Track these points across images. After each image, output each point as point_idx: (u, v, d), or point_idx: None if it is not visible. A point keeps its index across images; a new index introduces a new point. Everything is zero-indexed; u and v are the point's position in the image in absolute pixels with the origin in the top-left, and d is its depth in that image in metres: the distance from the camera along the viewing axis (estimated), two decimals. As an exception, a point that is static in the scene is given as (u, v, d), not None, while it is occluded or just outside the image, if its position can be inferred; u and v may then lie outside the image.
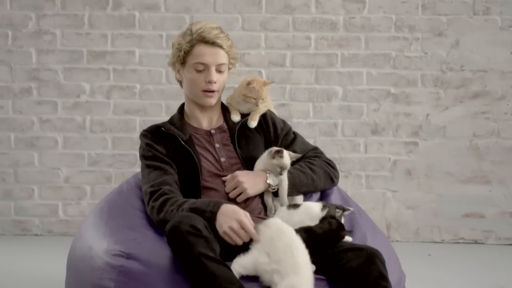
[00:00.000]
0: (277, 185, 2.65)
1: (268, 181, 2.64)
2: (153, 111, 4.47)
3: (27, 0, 4.42)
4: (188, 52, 2.66)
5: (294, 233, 2.31)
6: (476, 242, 4.47)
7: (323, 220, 2.41)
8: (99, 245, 2.48)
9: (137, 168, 4.31)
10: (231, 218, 2.33)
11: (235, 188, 2.61)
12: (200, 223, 2.28)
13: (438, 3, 4.42)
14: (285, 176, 2.65)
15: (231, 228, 2.32)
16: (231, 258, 2.33)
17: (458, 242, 4.46)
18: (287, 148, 2.74)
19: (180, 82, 2.78)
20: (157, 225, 2.54)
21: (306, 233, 2.37)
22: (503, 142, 4.45)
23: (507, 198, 4.46)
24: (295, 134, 2.85)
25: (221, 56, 2.66)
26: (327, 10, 4.44)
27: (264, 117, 2.80)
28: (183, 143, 2.67)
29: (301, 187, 2.70)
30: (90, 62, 4.44)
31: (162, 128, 2.73)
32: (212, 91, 2.66)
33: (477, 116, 4.44)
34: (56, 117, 4.47)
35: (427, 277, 3.53)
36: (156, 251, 2.35)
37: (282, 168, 2.63)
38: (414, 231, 4.50)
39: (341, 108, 4.47)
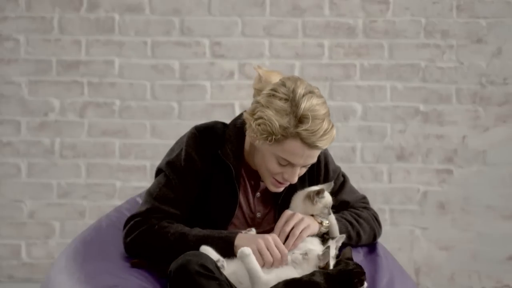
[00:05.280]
0: (327, 223, 2.55)
1: (318, 221, 2.53)
2: (136, 132, 4.33)
3: (-16, 1, 4.35)
4: (278, 140, 2.40)
5: None
6: (523, 290, 4.39)
7: (338, 262, 2.39)
8: (73, 294, 2.42)
9: (116, 201, 4.22)
10: (254, 239, 2.31)
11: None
12: (211, 263, 2.25)
13: (477, 4, 4.29)
14: (331, 214, 2.58)
15: (259, 246, 2.28)
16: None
17: (502, 290, 4.40)
18: (335, 195, 2.59)
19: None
20: (130, 245, 2.41)
21: (323, 276, 2.33)
22: (554, 171, 4.37)
23: (560, 237, 4.37)
24: (344, 177, 2.67)
25: (315, 157, 2.46)
26: (344, 13, 4.31)
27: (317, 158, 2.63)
28: (233, 178, 2.56)
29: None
30: (60, 74, 4.30)
31: (219, 152, 2.52)
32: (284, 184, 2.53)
33: (523, 138, 4.39)
34: (19, 140, 4.31)
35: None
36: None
37: (329, 208, 2.54)
38: (449, 277, 4.34)
39: (360, 129, 4.34)
